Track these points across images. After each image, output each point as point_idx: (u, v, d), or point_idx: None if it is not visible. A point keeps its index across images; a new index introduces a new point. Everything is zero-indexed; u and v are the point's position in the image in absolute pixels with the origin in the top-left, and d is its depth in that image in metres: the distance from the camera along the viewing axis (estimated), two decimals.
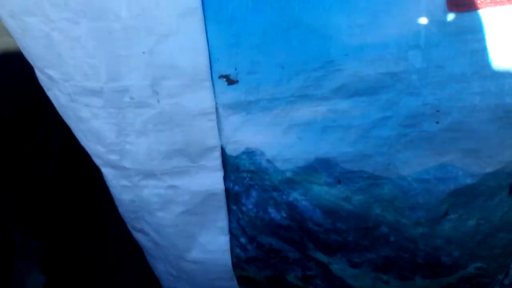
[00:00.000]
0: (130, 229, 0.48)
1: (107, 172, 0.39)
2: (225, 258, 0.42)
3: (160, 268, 0.49)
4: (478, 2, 0.28)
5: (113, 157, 0.37)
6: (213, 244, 0.41)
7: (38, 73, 0.37)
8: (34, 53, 0.34)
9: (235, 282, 0.44)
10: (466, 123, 0.31)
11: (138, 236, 0.47)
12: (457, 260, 0.39)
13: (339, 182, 0.35)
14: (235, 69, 0.31)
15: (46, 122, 0.58)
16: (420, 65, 0.30)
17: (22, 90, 0.55)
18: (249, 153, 0.36)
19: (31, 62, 0.36)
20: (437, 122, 0.32)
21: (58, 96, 0.36)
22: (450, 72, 0.30)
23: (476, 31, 0.29)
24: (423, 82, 0.30)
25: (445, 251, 0.38)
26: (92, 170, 0.44)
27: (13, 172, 0.52)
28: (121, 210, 0.45)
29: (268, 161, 0.36)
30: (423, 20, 0.29)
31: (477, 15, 0.28)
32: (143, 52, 0.30)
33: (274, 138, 0.34)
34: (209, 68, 0.31)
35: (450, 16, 0.28)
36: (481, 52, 0.29)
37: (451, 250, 0.38)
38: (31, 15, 0.31)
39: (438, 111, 0.31)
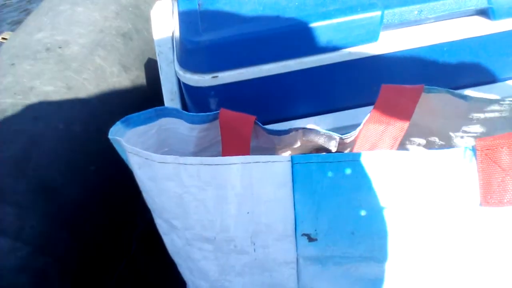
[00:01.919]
0: None
1: None
2: None
3: None
4: None
5: None
6: None
7: (159, 221, 0.48)
8: (164, 207, 0.45)
9: None
10: None
11: None
12: None
13: None
14: (315, 230, 0.41)
15: (127, 255, 0.69)
16: None
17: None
18: None
19: (155, 213, 0.48)
20: None
21: (175, 240, 0.46)
22: None
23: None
24: None
25: None
26: None
27: None
28: None
29: None
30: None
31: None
32: (248, 213, 0.41)
33: None
34: (295, 228, 0.41)
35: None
36: None
37: None
38: (170, 180, 0.44)
39: None
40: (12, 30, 1.27)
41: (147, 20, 1.03)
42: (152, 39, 0.97)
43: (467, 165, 0.37)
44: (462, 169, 0.37)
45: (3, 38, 1.14)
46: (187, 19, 0.53)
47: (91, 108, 0.74)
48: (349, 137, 0.46)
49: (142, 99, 0.87)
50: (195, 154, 0.55)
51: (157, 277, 0.73)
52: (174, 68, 0.56)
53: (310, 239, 0.41)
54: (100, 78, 0.80)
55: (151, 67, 0.93)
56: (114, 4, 1.00)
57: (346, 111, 0.55)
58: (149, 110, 0.49)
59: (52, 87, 0.73)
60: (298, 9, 0.52)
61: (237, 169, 0.42)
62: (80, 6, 0.96)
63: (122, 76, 0.85)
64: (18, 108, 0.68)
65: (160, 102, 0.66)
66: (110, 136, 0.47)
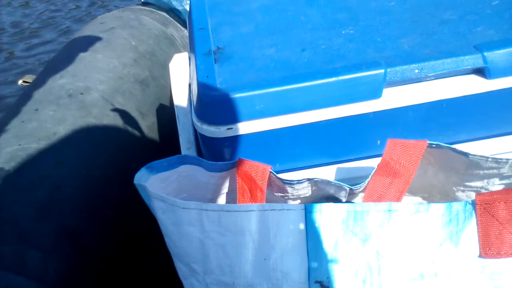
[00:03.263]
0: None
1: None
2: None
3: None
4: None
5: None
6: None
7: (179, 265, 0.51)
8: (185, 251, 0.48)
9: None
10: None
11: None
12: None
13: None
14: (327, 277, 0.44)
15: None
16: None
17: None
18: None
19: (176, 257, 0.51)
20: None
21: (194, 284, 0.49)
22: None
23: None
24: None
25: None
26: None
27: None
28: None
29: None
30: None
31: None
32: (264, 259, 0.44)
33: None
34: (308, 275, 0.44)
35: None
36: None
37: None
38: (192, 225, 0.47)
39: None
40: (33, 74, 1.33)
41: (163, 66, 1.08)
42: (168, 85, 1.02)
43: (468, 218, 0.41)
44: (462, 221, 0.41)
45: (25, 81, 1.20)
46: (204, 74, 0.58)
47: (110, 153, 0.78)
48: (358, 188, 0.49)
49: (158, 144, 0.91)
50: (212, 200, 0.58)
51: None
52: (191, 119, 0.60)
53: (323, 286, 0.44)
54: (119, 124, 0.84)
55: (166, 113, 0.98)
56: (132, 51, 1.05)
57: (355, 162, 0.59)
58: (172, 157, 0.53)
59: (74, 133, 0.77)
60: (307, 65, 0.56)
61: (255, 215, 0.45)
62: (99, 53, 1.02)
63: (139, 122, 0.89)
64: (42, 153, 0.72)
65: (175, 147, 0.70)
66: (135, 182, 0.50)
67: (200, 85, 0.56)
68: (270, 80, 0.54)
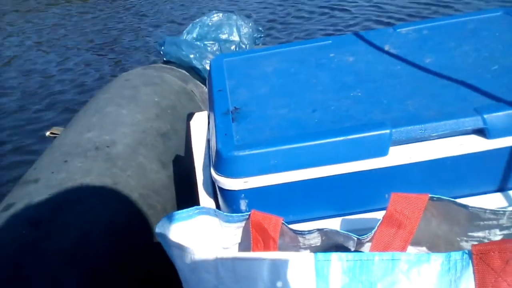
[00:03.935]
0: None
1: None
2: None
3: None
4: None
5: None
6: None
7: None
8: None
9: None
10: None
11: None
12: None
13: None
14: None
15: None
16: None
17: None
18: None
19: None
20: None
21: None
22: None
23: None
24: None
25: None
26: None
27: None
28: None
29: None
30: None
31: None
32: None
33: None
34: None
35: None
36: None
37: None
38: (208, 272, 0.50)
39: None
40: (60, 125, 1.41)
41: (183, 120, 1.14)
42: (187, 138, 1.07)
43: (465, 267, 0.44)
44: (460, 270, 0.44)
45: (52, 133, 1.27)
46: (223, 132, 0.63)
47: (132, 202, 0.83)
48: (366, 238, 0.53)
49: (177, 193, 0.95)
50: (228, 249, 0.62)
51: None
52: (210, 172, 0.65)
53: None
54: (141, 174, 0.90)
55: (186, 164, 1.03)
56: (154, 107, 1.12)
57: (363, 214, 0.62)
58: (191, 208, 0.57)
59: (100, 183, 0.82)
60: (317, 125, 0.61)
61: (266, 264, 0.48)
62: (124, 108, 1.08)
63: (161, 173, 0.94)
64: (71, 202, 0.77)
65: (193, 196, 0.74)
66: (156, 231, 0.54)
67: (219, 142, 0.61)
68: (283, 138, 0.59)
